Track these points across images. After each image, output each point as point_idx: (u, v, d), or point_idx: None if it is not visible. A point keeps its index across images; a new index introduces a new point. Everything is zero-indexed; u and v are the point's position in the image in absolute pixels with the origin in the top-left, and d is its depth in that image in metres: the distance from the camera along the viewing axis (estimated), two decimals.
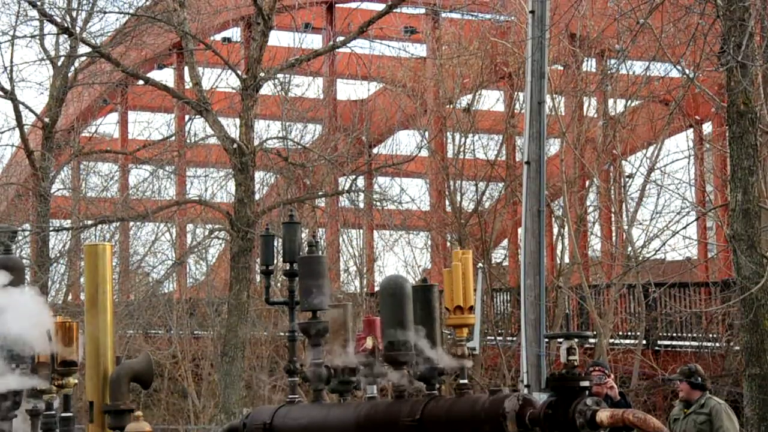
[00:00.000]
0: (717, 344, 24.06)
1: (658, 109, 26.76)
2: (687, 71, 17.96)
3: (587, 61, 26.94)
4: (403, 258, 30.41)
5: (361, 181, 28.58)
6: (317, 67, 28.69)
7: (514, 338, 24.43)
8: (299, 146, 25.68)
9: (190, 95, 23.72)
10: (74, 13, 24.26)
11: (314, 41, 30.43)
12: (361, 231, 29.40)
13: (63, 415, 6.93)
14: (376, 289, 25.59)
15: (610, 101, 26.84)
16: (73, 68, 25.37)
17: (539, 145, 16.07)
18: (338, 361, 6.63)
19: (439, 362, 5.86)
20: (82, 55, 24.89)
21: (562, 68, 26.41)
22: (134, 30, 24.65)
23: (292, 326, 7.22)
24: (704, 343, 24.26)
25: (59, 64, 24.89)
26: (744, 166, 14.44)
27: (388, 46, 26.72)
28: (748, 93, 14.32)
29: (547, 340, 16.35)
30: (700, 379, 11.60)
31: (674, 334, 25.23)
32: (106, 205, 28.65)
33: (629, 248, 25.40)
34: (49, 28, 24.37)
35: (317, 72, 29.19)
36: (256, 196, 24.46)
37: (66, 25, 23.58)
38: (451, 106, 27.90)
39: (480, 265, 20.29)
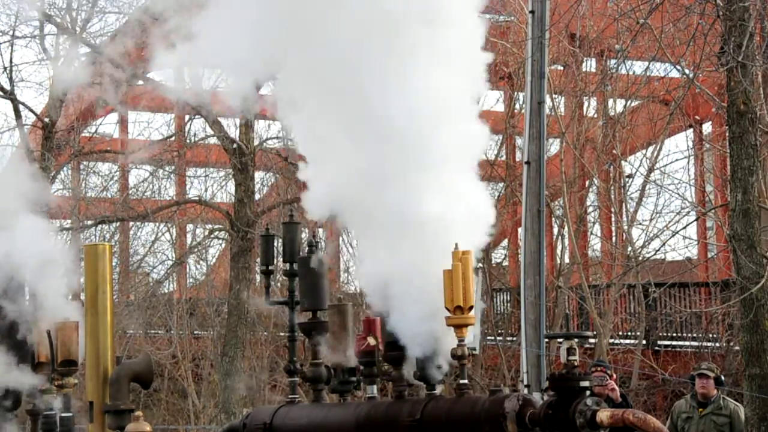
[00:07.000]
0: (717, 344, 24.04)
1: (657, 109, 26.71)
2: (687, 71, 17.94)
3: (587, 61, 26.89)
4: None
5: None
6: None
7: (514, 338, 24.40)
8: None
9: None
10: (74, 13, 24.26)
11: None
12: None
13: (63, 415, 6.92)
14: None
15: (610, 101, 26.79)
16: (73, 68, 25.32)
17: (539, 145, 16.02)
18: (338, 361, 6.64)
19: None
20: (82, 55, 24.86)
21: (562, 68, 26.36)
22: (134, 30, 24.57)
23: (292, 326, 7.22)
24: (704, 343, 24.23)
25: (59, 64, 24.85)
26: (744, 166, 14.43)
27: None
28: (748, 93, 14.30)
29: (547, 340, 16.31)
30: (722, 377, 12.31)
31: (674, 334, 25.20)
32: (106, 205, 28.59)
33: (629, 248, 25.36)
34: (49, 28, 24.37)
35: None
36: (256, 196, 24.45)
37: (66, 25, 23.56)
38: None
39: (480, 265, 20.25)
